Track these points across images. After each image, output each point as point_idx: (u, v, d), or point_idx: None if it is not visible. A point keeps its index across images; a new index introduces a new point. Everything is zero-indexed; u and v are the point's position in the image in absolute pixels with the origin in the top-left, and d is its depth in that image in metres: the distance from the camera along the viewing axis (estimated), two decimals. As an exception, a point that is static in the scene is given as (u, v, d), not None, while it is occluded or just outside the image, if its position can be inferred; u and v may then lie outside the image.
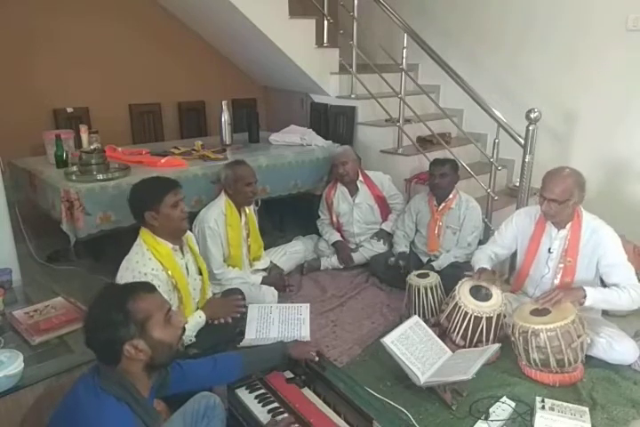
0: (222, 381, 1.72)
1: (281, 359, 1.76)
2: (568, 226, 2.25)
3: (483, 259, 2.40)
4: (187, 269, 2.07)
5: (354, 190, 3.20)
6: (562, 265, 2.27)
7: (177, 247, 2.03)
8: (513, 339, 2.11)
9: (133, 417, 1.21)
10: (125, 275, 1.90)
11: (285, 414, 1.61)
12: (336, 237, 3.20)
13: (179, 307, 2.01)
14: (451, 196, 2.91)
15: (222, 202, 2.65)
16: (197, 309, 2.13)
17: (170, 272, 1.95)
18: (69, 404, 1.26)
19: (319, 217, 3.33)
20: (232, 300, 2.23)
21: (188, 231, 2.19)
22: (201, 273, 2.17)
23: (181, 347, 1.34)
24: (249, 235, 2.75)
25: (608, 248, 2.17)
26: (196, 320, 2.04)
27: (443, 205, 2.91)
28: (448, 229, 2.92)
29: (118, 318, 1.22)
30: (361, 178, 3.19)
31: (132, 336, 1.22)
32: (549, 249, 2.29)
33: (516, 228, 2.42)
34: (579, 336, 2.00)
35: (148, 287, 1.33)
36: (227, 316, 2.12)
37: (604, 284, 2.26)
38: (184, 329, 1.36)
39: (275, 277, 2.80)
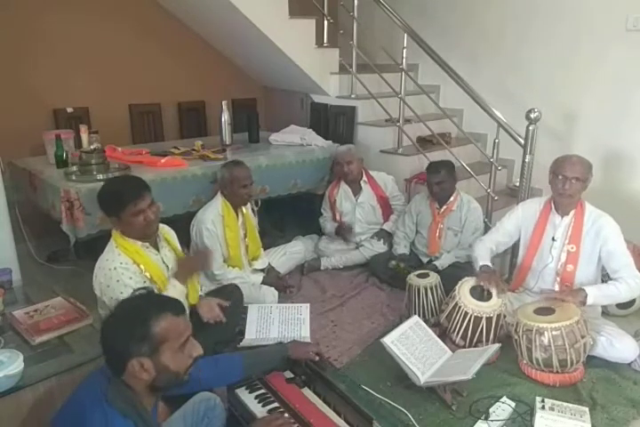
0: (223, 383, 1.72)
1: (281, 361, 1.77)
2: (571, 214, 2.29)
3: (483, 253, 2.41)
4: (165, 263, 2.04)
5: (357, 190, 3.20)
6: (565, 253, 2.29)
7: (147, 244, 1.99)
8: (516, 337, 2.11)
9: None
10: (99, 273, 1.90)
11: (286, 415, 1.61)
12: (335, 224, 3.21)
13: None
14: (452, 198, 2.90)
15: (219, 203, 2.65)
16: (188, 304, 2.11)
17: (142, 267, 1.93)
18: (73, 411, 1.24)
19: (321, 215, 3.33)
20: (197, 254, 2.26)
21: (166, 227, 2.16)
22: None
23: (187, 376, 1.32)
24: (246, 235, 2.74)
25: (609, 235, 2.22)
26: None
27: (444, 207, 2.90)
28: (449, 230, 2.91)
29: (136, 333, 1.20)
30: (365, 178, 3.20)
31: (142, 354, 1.20)
32: (553, 237, 2.32)
33: (521, 215, 2.44)
34: (582, 337, 2.01)
35: (176, 309, 1.29)
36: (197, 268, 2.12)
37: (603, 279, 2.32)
38: (196, 359, 1.33)
39: (273, 279, 2.80)
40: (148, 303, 1.29)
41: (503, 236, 2.48)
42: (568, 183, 2.19)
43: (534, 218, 2.39)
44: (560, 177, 2.21)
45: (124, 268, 1.88)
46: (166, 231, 2.14)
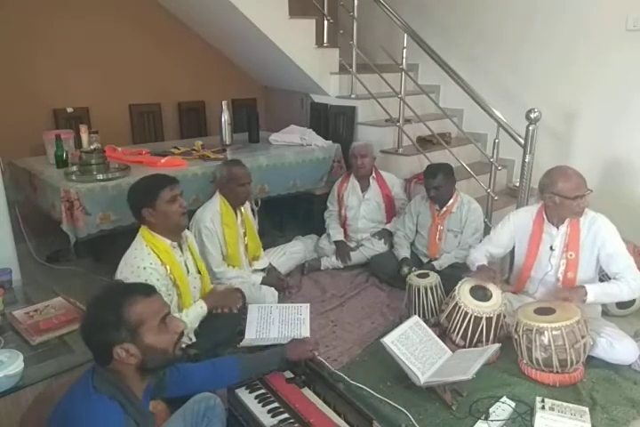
0: (220, 385, 1.72)
1: (280, 363, 1.77)
2: (566, 221, 2.26)
3: (479, 257, 2.40)
4: (186, 266, 2.08)
5: (365, 186, 3.22)
6: (564, 260, 2.28)
7: (175, 244, 2.04)
8: (516, 337, 2.10)
9: (124, 416, 1.21)
10: (125, 270, 1.91)
11: (286, 414, 1.61)
12: (339, 236, 3.21)
13: (178, 302, 2.01)
14: (452, 200, 2.88)
15: (217, 201, 2.66)
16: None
17: (168, 267, 1.95)
18: (65, 404, 1.26)
19: (327, 208, 3.34)
20: (233, 292, 2.26)
21: (188, 231, 2.19)
22: (200, 272, 2.17)
23: (179, 352, 1.34)
24: (245, 234, 2.75)
25: (607, 238, 2.20)
26: (196, 311, 2.04)
27: (444, 209, 2.89)
28: (449, 232, 2.90)
29: (110, 321, 1.22)
30: (374, 175, 3.21)
31: (123, 340, 1.22)
32: (551, 247, 2.30)
33: (513, 227, 2.41)
34: (582, 337, 2.01)
35: (146, 290, 1.31)
36: (228, 306, 2.13)
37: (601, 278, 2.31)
38: (182, 334, 1.35)
39: (273, 279, 2.80)
40: (116, 291, 1.31)
41: (497, 247, 2.46)
42: (584, 200, 2.16)
43: (528, 228, 2.36)
44: (576, 198, 2.14)
45: (153, 268, 1.90)
46: (189, 235, 2.19)
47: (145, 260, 1.90)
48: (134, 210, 2.03)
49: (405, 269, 2.81)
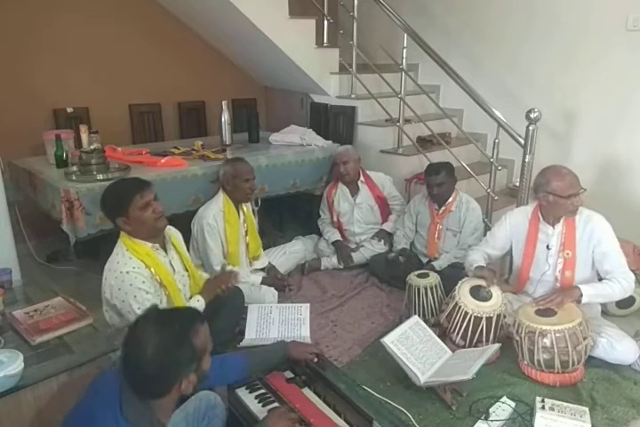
0: (226, 381, 1.72)
1: (281, 359, 1.76)
2: (562, 220, 2.26)
3: (477, 259, 2.40)
4: (172, 266, 2.04)
5: (355, 190, 3.20)
6: (561, 259, 2.28)
7: (157, 246, 1.99)
8: (517, 338, 2.10)
9: None
10: (109, 276, 1.89)
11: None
12: (336, 236, 3.21)
13: (167, 304, 2.01)
14: (450, 199, 2.88)
15: (220, 199, 2.67)
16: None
17: (153, 270, 1.93)
18: (82, 416, 1.22)
19: (320, 216, 3.33)
20: (223, 273, 2.25)
21: (173, 229, 2.16)
22: (187, 270, 2.14)
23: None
24: (247, 233, 2.75)
25: (602, 236, 2.20)
26: (194, 306, 2.00)
27: (443, 208, 2.89)
28: (449, 231, 2.91)
29: (186, 354, 1.18)
30: (362, 178, 3.20)
31: (191, 371, 1.19)
32: (547, 246, 2.30)
33: (509, 228, 2.41)
34: (584, 338, 2.01)
35: (200, 315, 1.29)
36: (226, 284, 2.13)
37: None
38: None
39: (273, 278, 2.80)
40: (179, 321, 1.24)
41: (494, 249, 2.46)
42: (578, 199, 2.16)
43: (523, 228, 2.36)
44: (570, 197, 2.14)
45: (137, 272, 1.88)
46: (173, 233, 2.15)
47: (127, 264, 1.88)
48: (110, 220, 1.98)
49: (392, 254, 2.83)
